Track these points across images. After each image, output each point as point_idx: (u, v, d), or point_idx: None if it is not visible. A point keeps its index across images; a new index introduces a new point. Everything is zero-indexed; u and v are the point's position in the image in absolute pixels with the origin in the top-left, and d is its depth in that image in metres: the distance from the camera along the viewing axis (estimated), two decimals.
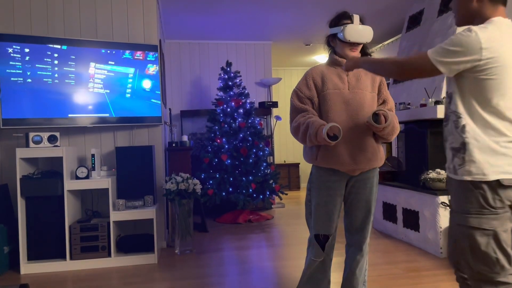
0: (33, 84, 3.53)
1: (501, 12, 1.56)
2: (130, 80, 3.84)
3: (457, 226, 1.54)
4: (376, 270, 3.20)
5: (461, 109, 1.52)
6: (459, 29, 1.72)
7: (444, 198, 3.42)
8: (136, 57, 3.81)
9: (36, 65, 3.53)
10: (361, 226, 2.23)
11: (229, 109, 5.52)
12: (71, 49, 3.65)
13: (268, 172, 5.51)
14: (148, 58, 3.86)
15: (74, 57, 3.66)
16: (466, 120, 1.51)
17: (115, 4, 3.99)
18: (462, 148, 1.51)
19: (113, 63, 3.78)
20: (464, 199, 1.51)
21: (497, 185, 1.46)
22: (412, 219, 3.86)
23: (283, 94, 8.29)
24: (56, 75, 3.60)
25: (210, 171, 5.40)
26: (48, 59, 3.57)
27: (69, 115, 3.65)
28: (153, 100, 3.92)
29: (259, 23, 5.78)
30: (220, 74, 5.71)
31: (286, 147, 8.51)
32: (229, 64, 5.67)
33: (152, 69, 3.83)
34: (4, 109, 3.44)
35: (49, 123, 3.59)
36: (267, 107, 6.49)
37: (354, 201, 2.21)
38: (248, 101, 5.64)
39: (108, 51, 3.76)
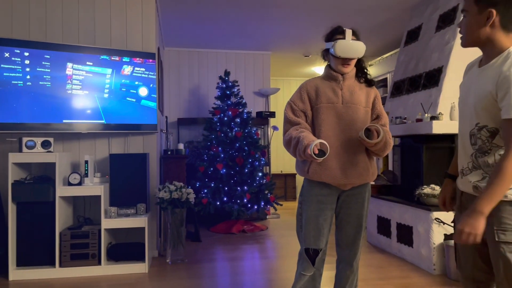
0: (28, 88, 3.51)
1: None
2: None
3: (502, 244, 1.51)
4: (369, 286, 3.17)
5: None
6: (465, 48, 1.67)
7: (438, 214, 3.40)
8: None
9: (37, 69, 3.53)
10: (352, 241, 2.21)
11: (226, 118, 5.51)
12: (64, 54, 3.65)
13: (264, 182, 5.49)
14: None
15: (70, 62, 3.66)
16: None
17: (114, 11, 4.00)
18: None
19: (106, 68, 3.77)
20: (509, 216, 1.50)
21: None
22: (406, 234, 3.83)
23: (281, 104, 8.30)
24: (49, 78, 3.59)
25: (205, 180, 5.37)
26: (46, 63, 3.57)
27: (64, 121, 3.64)
28: (146, 103, 3.91)
29: (259, 33, 5.80)
30: (218, 83, 5.72)
31: (283, 157, 8.49)
32: (227, 73, 5.68)
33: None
34: None
35: (44, 128, 3.57)
36: (264, 117, 6.49)
37: (345, 216, 2.19)
38: (245, 110, 5.64)
39: (107, 58, 3.76)
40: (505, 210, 1.51)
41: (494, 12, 1.50)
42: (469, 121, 1.62)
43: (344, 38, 2.08)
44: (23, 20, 3.82)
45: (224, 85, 5.63)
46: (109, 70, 3.78)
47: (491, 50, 1.56)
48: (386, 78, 6.76)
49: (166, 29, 5.51)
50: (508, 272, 1.50)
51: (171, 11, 4.81)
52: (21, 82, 3.49)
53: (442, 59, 3.89)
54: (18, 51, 3.49)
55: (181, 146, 5.10)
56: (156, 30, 4.21)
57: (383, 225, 4.25)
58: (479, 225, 1.47)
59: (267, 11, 4.89)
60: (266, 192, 5.44)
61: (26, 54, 3.51)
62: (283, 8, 4.78)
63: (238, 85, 5.77)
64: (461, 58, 3.67)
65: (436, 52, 4.04)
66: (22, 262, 3.46)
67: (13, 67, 3.47)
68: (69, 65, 3.65)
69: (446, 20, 4.07)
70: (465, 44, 1.63)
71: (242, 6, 4.71)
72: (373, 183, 4.31)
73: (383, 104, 5.02)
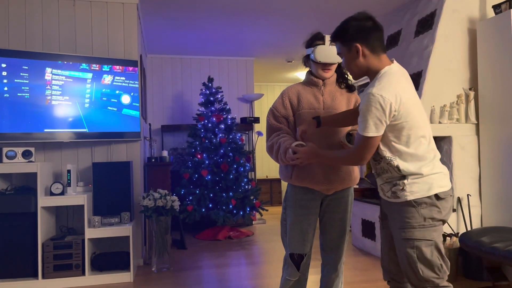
0: (6, 99, 3.46)
1: (385, 60, 1.77)
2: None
3: (403, 241, 1.73)
4: None
5: (388, 153, 1.73)
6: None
7: None
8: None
9: (15, 80, 3.48)
10: (336, 245, 2.23)
11: (210, 125, 5.51)
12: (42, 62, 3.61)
13: (249, 188, 5.50)
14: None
15: (50, 70, 3.62)
16: (396, 161, 1.72)
17: (95, 19, 3.97)
18: (402, 179, 1.73)
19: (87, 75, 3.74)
20: (408, 215, 1.72)
21: (436, 198, 1.70)
22: None
23: (265, 110, 8.33)
24: (27, 89, 3.54)
25: (190, 186, 5.35)
26: (24, 74, 3.52)
27: (45, 130, 3.59)
28: (127, 112, 3.89)
29: (241, 39, 5.82)
30: (201, 89, 5.72)
31: (269, 162, 8.51)
32: (210, 79, 5.69)
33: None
34: None
35: (24, 138, 3.52)
36: (249, 123, 6.51)
37: (328, 220, 2.21)
38: (229, 116, 5.65)
39: (86, 67, 3.73)
40: (406, 210, 1.72)
41: (358, 45, 1.73)
42: None
43: (323, 44, 2.12)
44: (1, 29, 3.76)
45: (208, 92, 5.63)
46: (89, 75, 3.74)
47: (372, 75, 1.77)
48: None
49: (149, 36, 5.49)
50: (411, 265, 1.71)
51: (153, 18, 4.81)
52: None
53: (421, 63, 3.97)
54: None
55: (165, 153, 5.08)
56: (138, 37, 4.19)
57: (368, 228, 4.30)
58: (306, 156, 1.90)
59: (250, 17, 4.92)
60: (252, 197, 5.44)
61: (4, 65, 3.45)
62: (265, 14, 4.82)
63: (222, 91, 5.78)
64: (440, 62, 3.76)
65: (415, 56, 4.12)
66: (4, 274, 3.38)
67: None
68: (48, 70, 3.61)
69: (424, 25, 4.15)
70: (355, 78, 1.86)
71: (224, 12, 4.73)
72: (357, 186, 4.36)
73: None
